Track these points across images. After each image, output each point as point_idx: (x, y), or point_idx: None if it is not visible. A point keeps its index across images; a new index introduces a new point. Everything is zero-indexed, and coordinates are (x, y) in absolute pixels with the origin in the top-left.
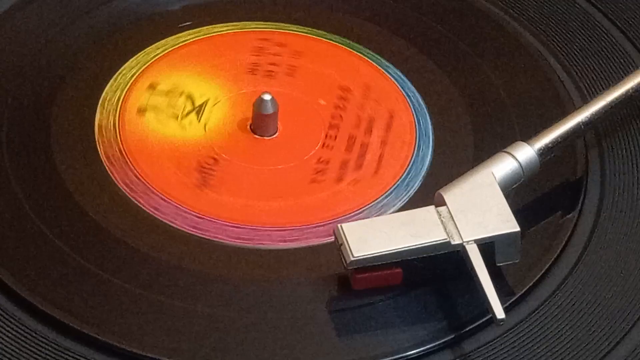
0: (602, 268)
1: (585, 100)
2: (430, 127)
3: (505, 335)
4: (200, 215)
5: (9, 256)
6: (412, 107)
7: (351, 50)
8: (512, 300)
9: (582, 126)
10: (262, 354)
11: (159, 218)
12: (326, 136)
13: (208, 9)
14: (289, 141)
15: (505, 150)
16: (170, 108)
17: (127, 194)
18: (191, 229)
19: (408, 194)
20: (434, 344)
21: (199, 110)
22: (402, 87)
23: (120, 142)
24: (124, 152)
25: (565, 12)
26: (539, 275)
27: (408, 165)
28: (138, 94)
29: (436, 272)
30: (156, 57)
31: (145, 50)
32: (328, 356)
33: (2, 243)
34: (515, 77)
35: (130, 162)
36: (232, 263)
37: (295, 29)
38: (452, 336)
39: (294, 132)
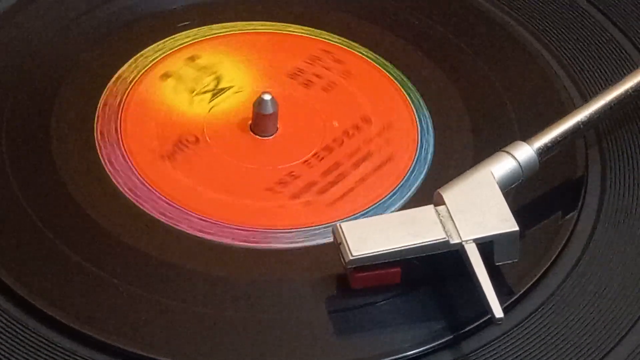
0: (601, 268)
1: (585, 100)
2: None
3: (505, 335)
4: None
5: (9, 256)
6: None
7: (396, 83)
8: (511, 300)
9: (582, 126)
10: (261, 353)
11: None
12: (314, 154)
13: (208, 9)
14: (286, 143)
15: (504, 149)
16: (193, 82)
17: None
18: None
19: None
20: (433, 344)
21: (218, 92)
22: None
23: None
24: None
25: (564, 12)
26: (538, 275)
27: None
28: (149, 82)
29: (435, 272)
30: (214, 36)
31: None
32: (328, 356)
33: (2, 243)
34: (515, 77)
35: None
36: (231, 263)
37: (362, 52)
38: (452, 336)
39: (293, 133)
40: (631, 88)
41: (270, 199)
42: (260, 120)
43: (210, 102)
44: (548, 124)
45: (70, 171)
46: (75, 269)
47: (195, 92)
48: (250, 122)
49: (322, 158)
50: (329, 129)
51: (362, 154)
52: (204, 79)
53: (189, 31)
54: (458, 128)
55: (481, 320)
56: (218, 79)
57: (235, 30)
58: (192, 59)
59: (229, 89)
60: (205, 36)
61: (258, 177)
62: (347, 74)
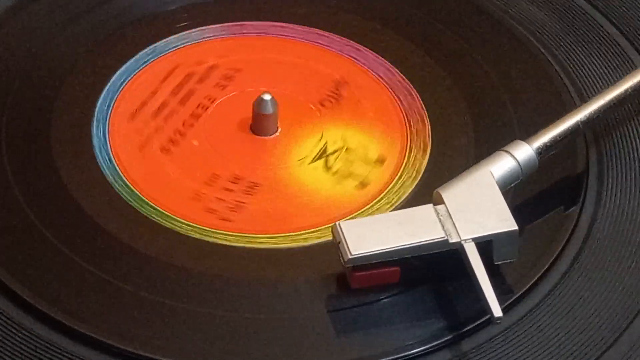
0: (600, 267)
1: (584, 100)
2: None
3: (504, 333)
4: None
5: (9, 257)
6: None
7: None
8: (512, 299)
9: (581, 125)
10: (261, 353)
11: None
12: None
13: (209, 8)
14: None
15: (503, 149)
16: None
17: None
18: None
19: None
20: (433, 344)
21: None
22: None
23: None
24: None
25: (564, 12)
26: (539, 275)
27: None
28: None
29: (434, 271)
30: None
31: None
32: (327, 355)
33: (2, 243)
34: (514, 77)
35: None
36: (231, 263)
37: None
38: (451, 335)
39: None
40: (630, 88)
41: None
42: (260, 120)
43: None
44: (547, 124)
45: (69, 171)
46: (75, 269)
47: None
48: (250, 122)
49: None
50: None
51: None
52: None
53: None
54: (458, 128)
55: (481, 320)
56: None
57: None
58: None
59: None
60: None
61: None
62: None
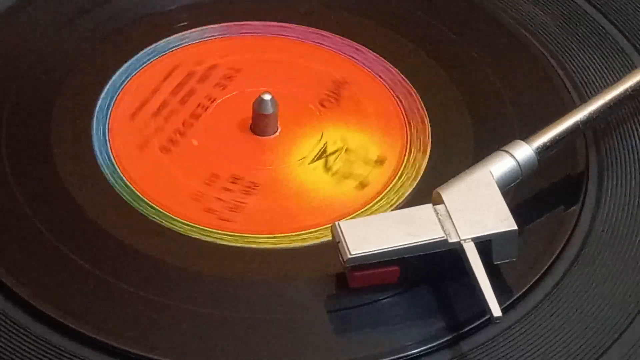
0: (600, 267)
1: (584, 100)
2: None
3: (504, 333)
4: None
5: (9, 257)
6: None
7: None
8: (511, 300)
9: (581, 125)
10: (260, 353)
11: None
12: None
13: (209, 8)
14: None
15: (503, 148)
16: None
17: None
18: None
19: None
20: (432, 344)
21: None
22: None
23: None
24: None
25: (564, 12)
26: (539, 275)
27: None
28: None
29: (434, 271)
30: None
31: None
32: (326, 355)
33: (2, 244)
34: (514, 76)
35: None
36: (231, 263)
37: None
38: (451, 335)
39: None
40: (630, 88)
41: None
42: (260, 120)
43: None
44: (547, 124)
45: (69, 171)
46: (75, 269)
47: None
48: (250, 122)
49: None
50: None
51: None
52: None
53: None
54: (458, 127)
55: (481, 320)
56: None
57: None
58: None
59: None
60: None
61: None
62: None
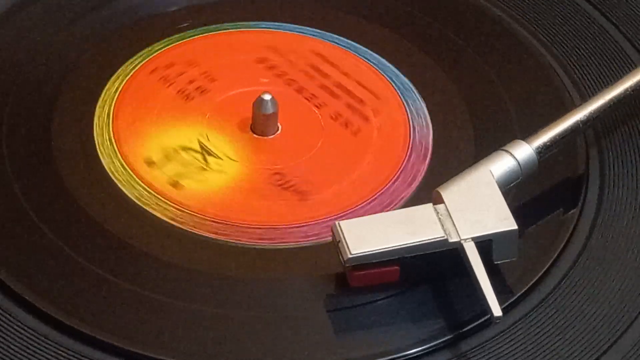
0: (601, 267)
1: (584, 99)
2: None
3: (504, 333)
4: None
5: (10, 257)
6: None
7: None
8: (512, 299)
9: (581, 125)
10: (260, 353)
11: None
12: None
13: (209, 8)
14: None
15: (503, 148)
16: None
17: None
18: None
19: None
20: (432, 343)
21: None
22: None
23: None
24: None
25: (564, 12)
26: (538, 275)
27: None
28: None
29: (434, 270)
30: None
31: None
32: (326, 355)
33: (3, 244)
34: (514, 76)
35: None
36: (231, 263)
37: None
38: (451, 335)
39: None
40: (630, 87)
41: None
42: (260, 120)
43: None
44: (547, 123)
45: (69, 171)
46: (76, 268)
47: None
48: (250, 122)
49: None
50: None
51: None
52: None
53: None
54: (458, 127)
55: (482, 319)
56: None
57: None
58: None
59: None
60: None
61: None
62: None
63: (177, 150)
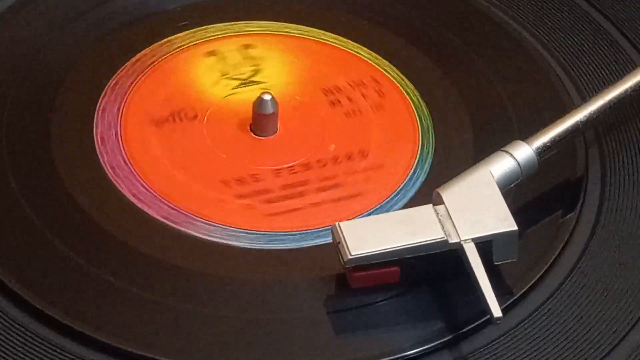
0: (601, 267)
1: (584, 100)
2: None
3: (505, 335)
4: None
5: (10, 257)
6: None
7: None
8: (512, 300)
9: (581, 125)
10: (260, 353)
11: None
12: (289, 167)
13: (209, 8)
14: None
15: (503, 149)
16: (232, 67)
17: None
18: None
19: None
20: (432, 344)
21: (247, 83)
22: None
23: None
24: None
25: (564, 12)
26: (538, 275)
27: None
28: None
29: (434, 271)
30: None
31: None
32: (327, 356)
33: (3, 244)
34: (514, 77)
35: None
36: (231, 263)
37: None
38: (451, 336)
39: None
40: (630, 88)
41: (219, 190)
42: (260, 120)
43: (233, 88)
44: (547, 124)
45: (70, 170)
46: (76, 269)
47: (224, 76)
48: (250, 122)
49: (295, 172)
50: (322, 149)
51: (332, 183)
52: (244, 68)
53: (246, 22)
54: (458, 128)
55: (481, 320)
56: (257, 71)
57: (302, 34)
58: (247, 46)
59: (260, 83)
60: (265, 31)
61: (222, 168)
62: (380, 108)
63: None
